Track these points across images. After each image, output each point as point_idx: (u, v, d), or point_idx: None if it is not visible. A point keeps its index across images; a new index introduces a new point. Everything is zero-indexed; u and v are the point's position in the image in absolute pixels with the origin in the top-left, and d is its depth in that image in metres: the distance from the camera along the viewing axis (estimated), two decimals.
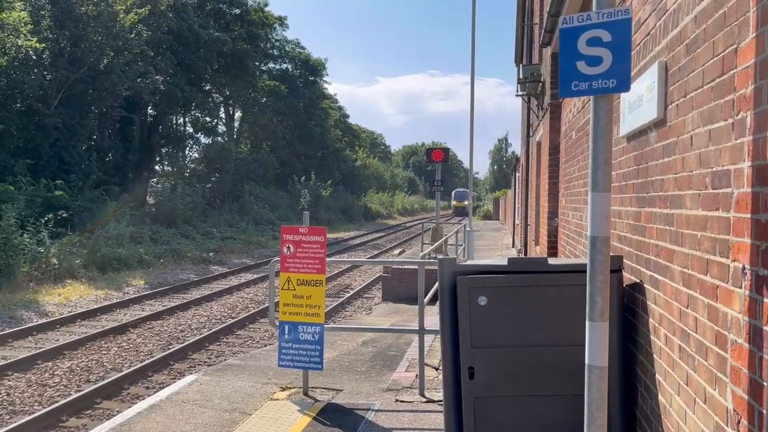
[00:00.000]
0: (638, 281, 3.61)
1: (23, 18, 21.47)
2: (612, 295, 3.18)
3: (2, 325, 11.62)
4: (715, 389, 2.36)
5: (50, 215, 17.57)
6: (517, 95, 14.92)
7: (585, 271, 2.75)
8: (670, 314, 2.96)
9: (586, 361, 2.73)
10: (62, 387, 8.26)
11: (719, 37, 2.37)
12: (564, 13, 6.65)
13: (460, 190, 75.16)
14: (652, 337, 3.30)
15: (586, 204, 3.11)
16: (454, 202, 73.10)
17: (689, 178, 2.70)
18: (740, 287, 2.13)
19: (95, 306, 13.58)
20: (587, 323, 2.72)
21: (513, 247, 21.94)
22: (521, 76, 11.90)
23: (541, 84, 10.89)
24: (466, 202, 61.27)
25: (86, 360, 9.50)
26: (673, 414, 2.89)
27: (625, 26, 2.63)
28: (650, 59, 3.41)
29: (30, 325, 11.52)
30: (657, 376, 3.18)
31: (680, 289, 2.80)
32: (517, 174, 23.05)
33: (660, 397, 3.13)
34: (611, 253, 2.96)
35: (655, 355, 3.24)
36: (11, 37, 20.98)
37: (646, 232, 3.41)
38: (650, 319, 3.34)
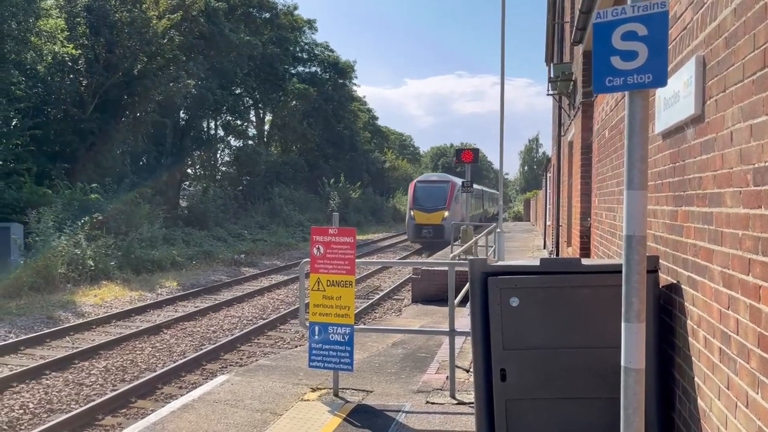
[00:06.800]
0: (675, 282, 3.52)
1: (59, 25, 22.01)
2: (648, 295, 3.11)
3: (40, 325, 11.90)
4: (757, 393, 2.28)
5: (86, 218, 17.96)
6: (548, 94, 14.78)
7: (620, 272, 2.69)
8: (710, 316, 2.87)
9: (622, 363, 2.67)
10: (98, 386, 8.42)
11: (760, 29, 2.29)
12: (596, 9, 6.54)
13: (429, 179, 31.88)
14: (690, 339, 3.21)
15: (620, 203, 3.05)
16: (412, 212, 30.30)
17: (729, 175, 2.62)
18: None
19: (130, 307, 13.83)
20: (623, 324, 2.66)
21: (544, 248, 21.68)
22: (552, 75, 11.76)
23: (572, 82, 10.74)
24: (446, 213, 29.24)
25: (121, 360, 9.67)
26: (713, 418, 2.81)
27: (661, 19, 2.56)
28: (687, 54, 3.32)
29: (67, 325, 11.78)
30: (696, 379, 3.10)
31: (720, 289, 2.72)
32: (548, 174, 22.79)
33: (699, 400, 3.04)
34: (647, 253, 2.89)
35: (693, 358, 3.15)
36: (48, 44, 21.51)
37: (684, 231, 3.32)
38: (688, 321, 3.25)
